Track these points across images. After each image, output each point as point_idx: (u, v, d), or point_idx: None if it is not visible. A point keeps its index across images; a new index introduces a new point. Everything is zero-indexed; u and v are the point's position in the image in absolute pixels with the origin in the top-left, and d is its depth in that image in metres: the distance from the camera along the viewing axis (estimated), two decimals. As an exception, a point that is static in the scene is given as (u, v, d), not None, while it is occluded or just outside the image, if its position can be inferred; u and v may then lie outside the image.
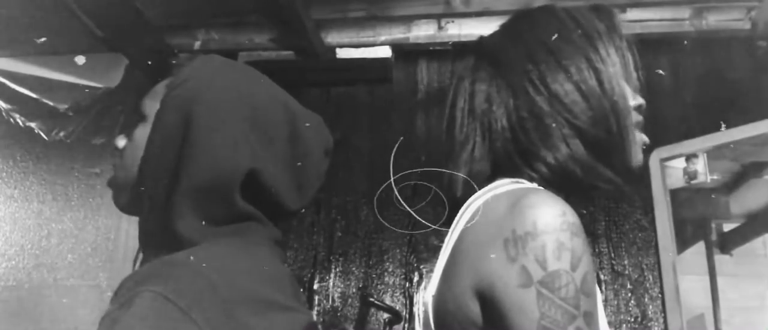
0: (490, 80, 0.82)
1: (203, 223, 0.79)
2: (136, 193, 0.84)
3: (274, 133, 0.85)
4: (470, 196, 0.79)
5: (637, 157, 0.82)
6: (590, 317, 0.64)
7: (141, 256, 0.85)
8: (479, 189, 0.79)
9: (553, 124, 0.76)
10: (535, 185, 0.77)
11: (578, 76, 0.78)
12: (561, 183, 0.77)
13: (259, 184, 0.82)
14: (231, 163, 0.80)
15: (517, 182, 0.77)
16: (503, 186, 0.76)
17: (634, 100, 0.83)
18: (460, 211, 0.78)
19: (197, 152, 0.79)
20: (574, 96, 0.77)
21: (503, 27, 0.89)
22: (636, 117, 0.83)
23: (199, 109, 0.81)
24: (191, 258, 0.74)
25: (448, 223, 0.81)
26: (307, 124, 0.90)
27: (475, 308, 0.68)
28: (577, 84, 0.77)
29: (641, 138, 0.84)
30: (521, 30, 0.84)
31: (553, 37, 0.80)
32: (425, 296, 0.78)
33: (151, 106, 0.86)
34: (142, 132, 0.85)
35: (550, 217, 0.66)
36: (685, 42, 2.18)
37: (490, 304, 0.66)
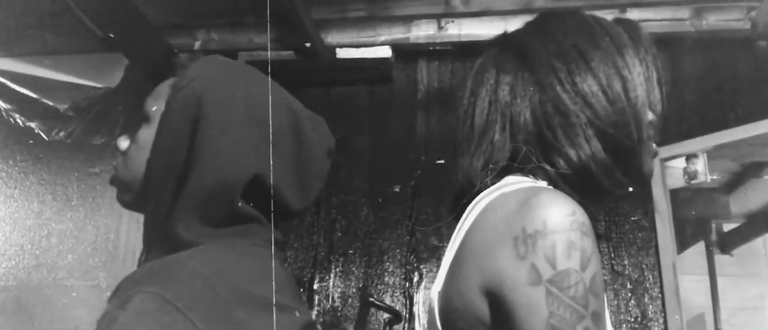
0: (515, 73, 0.82)
1: (204, 224, 0.79)
2: (142, 194, 0.84)
3: (278, 134, 0.85)
4: (478, 194, 0.79)
5: (650, 168, 0.84)
6: (598, 317, 0.64)
7: (144, 256, 0.85)
8: (491, 182, 0.79)
9: (578, 122, 0.77)
10: (545, 184, 0.77)
11: (606, 81, 0.78)
12: (577, 183, 0.77)
13: (262, 186, 0.82)
14: (237, 167, 0.80)
15: (529, 181, 0.78)
16: (512, 184, 0.77)
17: (649, 115, 0.83)
18: (468, 209, 0.78)
19: (204, 156, 0.80)
20: (600, 98, 0.78)
21: (531, 24, 0.89)
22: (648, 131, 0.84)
23: (206, 111, 0.81)
24: (190, 259, 0.74)
25: (454, 218, 0.81)
26: (310, 126, 0.90)
27: (482, 306, 0.69)
28: (603, 88, 0.78)
29: (653, 149, 0.85)
30: (551, 28, 0.84)
31: (584, 41, 0.81)
32: (431, 293, 0.79)
33: (156, 106, 0.86)
34: (146, 133, 0.85)
35: (560, 216, 0.66)
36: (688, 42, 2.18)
37: (498, 302, 0.67)
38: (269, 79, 0.89)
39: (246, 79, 0.88)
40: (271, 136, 0.84)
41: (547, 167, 0.78)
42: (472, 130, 0.84)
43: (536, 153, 0.79)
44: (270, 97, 0.85)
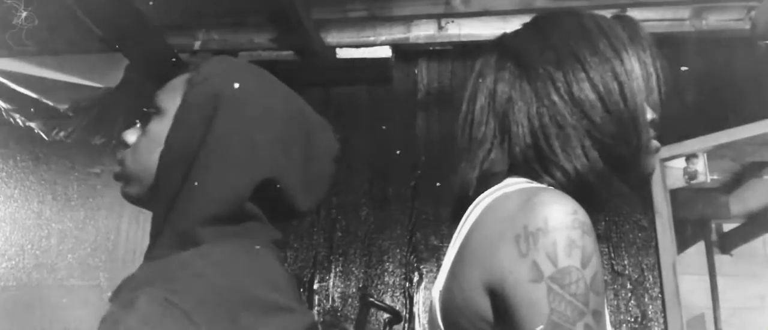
0: (513, 81, 0.81)
1: (208, 222, 0.79)
2: (152, 187, 0.84)
3: (290, 137, 0.86)
4: (480, 194, 0.79)
5: (651, 166, 0.83)
6: (598, 315, 0.65)
7: (148, 250, 0.85)
8: (491, 187, 0.79)
9: (575, 134, 0.77)
10: (545, 185, 0.77)
11: (603, 88, 0.78)
12: (576, 192, 0.76)
13: (271, 187, 0.82)
14: (250, 169, 0.80)
15: (529, 182, 0.78)
16: (514, 184, 0.77)
17: (649, 114, 0.83)
18: (470, 208, 0.78)
19: (218, 155, 0.80)
20: (598, 107, 0.77)
21: (528, 27, 0.88)
22: (650, 132, 0.83)
23: (224, 109, 0.81)
24: (193, 260, 0.74)
25: (455, 220, 0.81)
26: (319, 130, 0.91)
27: (484, 303, 0.69)
28: (601, 95, 0.77)
29: (655, 145, 0.85)
30: (548, 33, 0.83)
31: (581, 45, 0.80)
32: (432, 292, 0.79)
33: (170, 100, 0.85)
34: (159, 126, 0.85)
35: (562, 215, 0.66)
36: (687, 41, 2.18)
37: (500, 299, 0.67)
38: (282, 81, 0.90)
39: (262, 82, 0.89)
40: (278, 135, 0.84)
41: (546, 178, 0.77)
42: (470, 140, 0.83)
43: (534, 164, 0.78)
44: (275, 94, 0.85)
